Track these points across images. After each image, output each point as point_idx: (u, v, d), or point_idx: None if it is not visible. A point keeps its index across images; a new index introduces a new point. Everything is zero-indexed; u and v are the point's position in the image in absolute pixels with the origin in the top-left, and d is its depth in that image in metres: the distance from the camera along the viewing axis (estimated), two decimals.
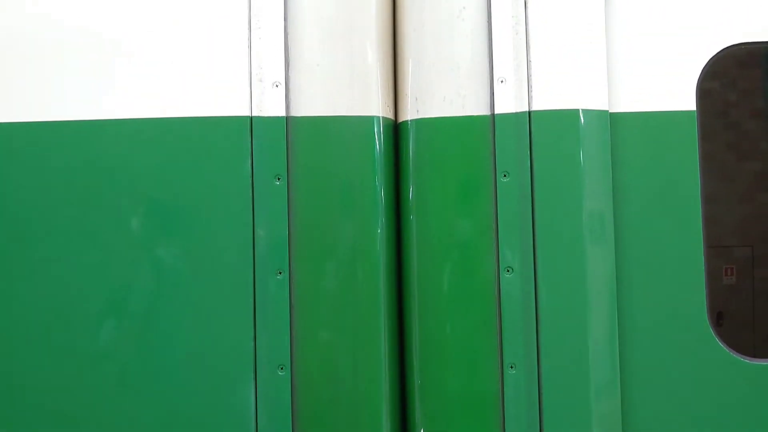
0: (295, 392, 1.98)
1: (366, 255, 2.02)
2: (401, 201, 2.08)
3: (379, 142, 2.04)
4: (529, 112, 2.00)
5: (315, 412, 1.99)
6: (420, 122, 2.05)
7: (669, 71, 2.04)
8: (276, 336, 1.98)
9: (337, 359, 2.01)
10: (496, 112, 2.00)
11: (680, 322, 2.02)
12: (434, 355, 2.02)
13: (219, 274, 1.99)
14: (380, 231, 2.02)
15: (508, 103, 2.00)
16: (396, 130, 2.11)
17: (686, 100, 2.03)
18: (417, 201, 2.04)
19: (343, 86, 2.04)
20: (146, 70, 2.04)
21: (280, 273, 1.99)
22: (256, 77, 2.03)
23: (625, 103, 2.03)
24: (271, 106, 2.02)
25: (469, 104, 2.02)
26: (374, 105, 2.04)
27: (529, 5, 2.02)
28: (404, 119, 2.09)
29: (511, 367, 1.97)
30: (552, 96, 1.99)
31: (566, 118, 1.98)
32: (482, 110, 2.02)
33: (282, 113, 2.02)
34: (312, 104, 2.03)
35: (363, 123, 2.03)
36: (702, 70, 2.04)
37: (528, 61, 2.01)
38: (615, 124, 2.01)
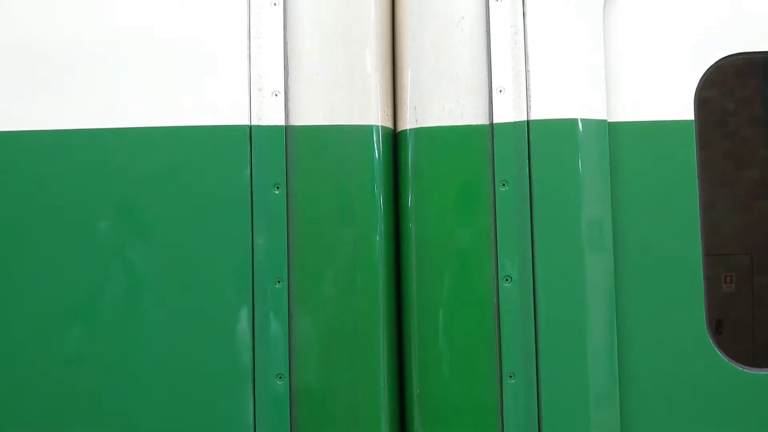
0: (293, 401, 1.98)
1: (365, 263, 2.02)
2: (400, 210, 2.08)
3: (378, 151, 2.04)
4: (528, 122, 2.00)
5: (313, 421, 1.98)
6: (419, 131, 2.06)
7: (667, 81, 2.04)
8: (274, 345, 1.97)
9: (335, 368, 2.00)
10: (494, 121, 2.01)
11: (679, 331, 2.01)
12: (433, 364, 2.02)
13: (218, 283, 1.99)
14: (379, 240, 2.02)
15: (507, 112, 2.00)
16: (395, 139, 2.12)
17: (684, 110, 2.03)
18: (416, 210, 2.05)
19: (342, 95, 2.05)
20: (146, 78, 2.05)
21: (279, 282, 1.99)
22: (255, 86, 2.03)
23: (624, 113, 2.04)
24: (271, 116, 2.02)
25: (468, 113, 2.03)
26: (373, 114, 2.05)
27: (527, 15, 2.03)
28: (403, 128, 2.09)
29: (510, 377, 1.96)
30: (550, 105, 2.00)
31: (565, 127, 1.99)
32: (481, 119, 2.03)
33: (281, 122, 2.02)
34: (311, 113, 2.04)
35: (362, 132, 2.04)
36: (700, 80, 2.04)
37: (526, 71, 2.02)
38: (613, 133, 2.02)
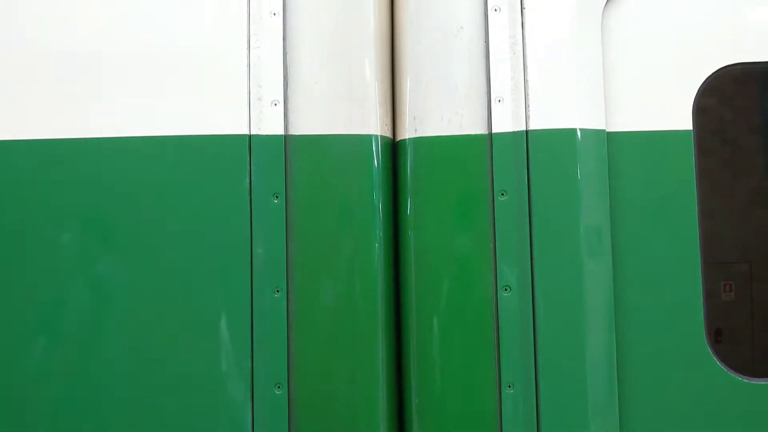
0: (292, 411, 1.97)
1: (364, 272, 2.02)
2: (399, 219, 2.09)
3: (377, 160, 2.05)
4: (527, 132, 2.01)
5: (312, 430, 1.98)
6: (418, 141, 2.06)
7: (665, 91, 2.05)
8: (273, 354, 1.97)
9: (334, 377, 2.00)
10: (493, 131, 2.01)
11: (678, 340, 2.01)
12: (432, 374, 2.01)
13: (217, 292, 1.99)
14: (378, 250, 2.02)
15: (506, 122, 2.01)
16: (394, 148, 2.12)
17: (683, 120, 2.04)
18: (415, 219, 2.05)
19: (341, 105, 2.05)
20: (146, 88, 2.06)
21: (278, 291, 1.99)
22: (255, 96, 2.04)
23: (622, 123, 2.04)
24: (270, 125, 2.03)
25: (467, 123, 2.03)
26: (372, 124, 2.05)
27: (526, 25, 2.04)
28: (402, 138, 2.10)
29: (509, 387, 1.96)
30: (549, 115, 2.00)
31: (564, 137, 1.99)
32: (480, 129, 2.03)
33: (280, 132, 2.03)
34: (310, 123, 2.04)
35: (361, 142, 2.04)
36: (698, 90, 2.05)
37: (525, 81, 2.02)
38: (612, 143, 2.02)
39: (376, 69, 2.09)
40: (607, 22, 2.07)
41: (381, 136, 2.06)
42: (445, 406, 2.00)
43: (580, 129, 1.99)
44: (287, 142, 2.03)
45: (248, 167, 2.02)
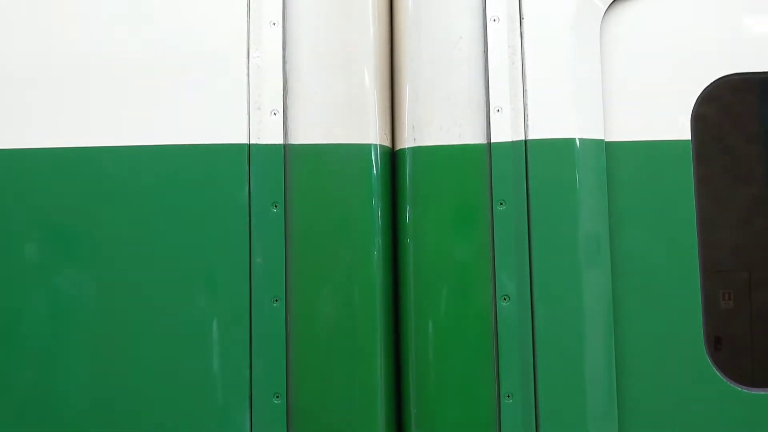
0: (290, 420, 1.97)
1: (363, 282, 2.02)
2: (398, 228, 2.09)
3: (376, 170, 2.05)
4: (526, 141, 2.01)
5: None
6: (417, 150, 2.06)
7: (664, 101, 2.06)
8: (272, 364, 1.97)
9: (333, 387, 2.00)
10: (492, 140, 2.02)
11: (677, 350, 2.01)
12: (430, 384, 2.01)
13: (215, 301, 1.99)
14: (377, 259, 2.02)
15: (505, 132, 2.01)
16: (393, 157, 2.12)
17: (681, 130, 2.04)
18: (414, 229, 2.05)
19: (340, 114, 2.06)
20: (145, 97, 2.06)
21: (277, 300, 1.99)
22: (254, 105, 2.04)
23: (621, 132, 2.05)
24: (269, 134, 2.03)
25: (466, 133, 2.04)
26: (371, 133, 2.06)
27: (525, 36, 2.05)
28: (401, 147, 2.10)
29: (508, 396, 1.96)
30: (548, 125, 2.01)
31: (562, 147, 2.00)
32: (479, 139, 2.03)
33: (280, 141, 2.03)
34: (310, 132, 2.05)
35: (360, 151, 2.04)
36: (696, 100, 2.05)
37: (524, 91, 2.03)
38: (611, 153, 2.03)
39: (376, 78, 2.09)
40: (606, 33, 2.08)
41: (380, 145, 2.07)
42: (444, 416, 1.99)
43: (579, 139, 2.00)
44: (286, 151, 2.03)
45: (247, 176, 2.02)
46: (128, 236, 2.02)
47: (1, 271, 2.03)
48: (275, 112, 2.04)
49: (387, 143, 2.11)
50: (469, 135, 2.03)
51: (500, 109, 2.02)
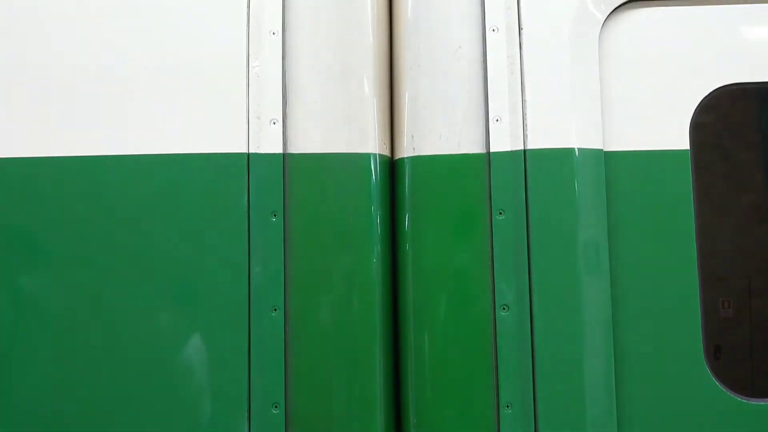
0: (289, 430, 1.96)
1: (362, 292, 2.02)
2: (397, 238, 2.09)
3: (375, 179, 2.05)
4: (525, 151, 2.01)
5: None
6: (416, 159, 2.07)
7: (662, 111, 2.06)
8: (270, 374, 1.96)
9: (331, 397, 1.99)
10: (491, 150, 2.02)
11: (677, 360, 2.01)
12: (430, 393, 2.01)
13: (214, 310, 1.99)
14: (376, 268, 2.02)
15: (504, 141, 2.02)
16: (392, 166, 2.12)
17: (680, 140, 2.05)
18: (413, 238, 2.05)
19: (339, 124, 2.06)
20: (144, 107, 2.06)
21: (276, 310, 1.98)
22: (254, 115, 2.05)
23: (620, 142, 2.05)
24: (269, 143, 2.03)
25: (465, 142, 2.04)
26: (371, 142, 2.06)
27: (523, 45, 2.05)
28: (401, 156, 2.10)
29: (507, 407, 1.95)
30: (547, 135, 2.01)
31: (561, 156, 2.00)
32: (478, 148, 2.04)
33: (279, 150, 2.03)
34: (309, 141, 2.05)
35: (359, 160, 2.05)
36: (695, 110, 2.06)
37: (523, 101, 2.03)
38: (610, 162, 2.03)
39: (375, 88, 2.10)
40: (604, 43, 2.08)
41: (379, 154, 2.07)
42: (443, 426, 1.99)
43: (578, 148, 2.00)
44: (286, 160, 2.03)
45: (246, 185, 2.02)
46: (127, 245, 2.02)
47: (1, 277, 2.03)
48: (275, 121, 2.04)
49: (386, 152, 2.11)
50: (468, 144, 2.04)
51: (499, 119, 2.02)
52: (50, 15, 2.12)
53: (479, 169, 2.02)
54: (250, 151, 2.03)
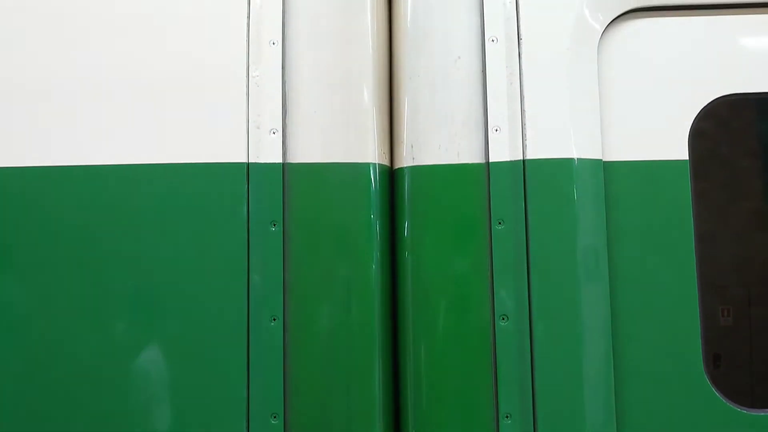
0: None
1: (361, 302, 2.01)
2: (397, 248, 2.09)
3: (375, 188, 2.05)
4: (524, 161, 2.02)
5: None
6: (415, 169, 2.07)
7: (661, 121, 2.07)
8: (269, 384, 1.96)
9: (330, 407, 1.99)
10: (490, 160, 2.02)
11: (676, 369, 2.01)
12: (429, 403, 2.00)
13: (213, 320, 1.99)
14: (375, 278, 2.02)
15: (503, 151, 2.02)
16: (392, 176, 2.13)
17: (679, 150, 2.05)
18: (412, 248, 2.05)
19: (339, 133, 2.06)
20: (144, 116, 2.07)
21: (275, 319, 1.98)
22: (253, 124, 2.05)
23: (619, 152, 2.05)
24: (268, 153, 2.03)
25: (464, 152, 2.04)
26: (370, 152, 2.06)
27: (522, 56, 2.06)
28: (400, 166, 2.10)
29: (507, 417, 1.95)
30: (546, 145, 2.01)
31: (560, 167, 2.00)
32: (477, 158, 2.04)
33: (279, 160, 2.03)
34: (309, 151, 2.05)
35: (359, 170, 2.05)
36: (694, 121, 2.07)
37: (522, 111, 2.04)
38: (609, 172, 2.03)
39: (375, 97, 2.10)
40: (603, 53, 2.09)
41: (379, 164, 2.07)
42: None
43: (577, 159, 2.01)
44: (285, 170, 2.04)
45: (246, 195, 2.02)
46: (126, 254, 2.02)
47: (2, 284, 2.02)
48: (274, 131, 2.04)
49: (386, 162, 2.11)
50: (468, 154, 2.04)
51: (498, 129, 2.03)
52: (51, 26, 2.12)
53: (479, 179, 2.02)
54: (250, 161, 2.03)
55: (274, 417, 1.95)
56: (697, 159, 2.09)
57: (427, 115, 2.08)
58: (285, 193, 2.03)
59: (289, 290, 1.99)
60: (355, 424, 1.98)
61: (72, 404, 1.99)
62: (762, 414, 1.99)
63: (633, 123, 2.06)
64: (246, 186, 2.02)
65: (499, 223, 2.00)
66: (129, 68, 2.09)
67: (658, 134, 2.06)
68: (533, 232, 1.98)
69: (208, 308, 1.98)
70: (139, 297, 2.01)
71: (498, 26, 2.07)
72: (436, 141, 2.06)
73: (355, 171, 2.05)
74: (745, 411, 1.99)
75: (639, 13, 2.13)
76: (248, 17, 2.10)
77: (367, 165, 2.05)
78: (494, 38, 2.07)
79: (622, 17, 2.12)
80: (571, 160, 2.00)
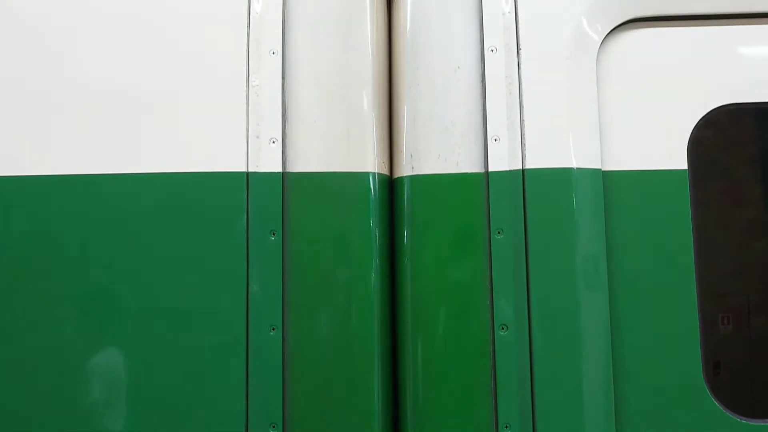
0: None
1: (360, 311, 2.01)
2: (396, 257, 2.09)
3: (374, 198, 2.06)
4: (523, 170, 2.02)
5: None
6: (415, 179, 2.07)
7: (660, 131, 2.07)
8: (268, 393, 1.96)
9: (330, 417, 1.98)
10: (490, 169, 2.03)
11: (676, 379, 2.01)
12: (429, 413, 2.00)
13: (212, 330, 1.98)
14: (375, 287, 2.02)
15: (502, 161, 2.02)
16: (391, 185, 2.13)
17: (678, 160, 2.06)
18: (412, 258, 2.05)
19: (339, 143, 2.07)
20: (144, 125, 2.07)
21: (274, 329, 1.98)
22: (253, 134, 2.05)
23: (618, 162, 2.06)
24: (268, 162, 2.04)
25: (464, 162, 2.05)
26: (370, 161, 2.07)
27: (522, 66, 2.06)
28: (400, 175, 2.11)
29: (506, 427, 1.95)
30: (545, 154, 2.02)
31: (560, 176, 2.00)
32: (476, 168, 2.04)
33: (278, 169, 2.04)
34: (308, 160, 2.06)
35: (358, 179, 2.05)
36: (693, 131, 2.07)
37: (521, 121, 2.04)
38: (608, 182, 2.03)
39: (374, 107, 2.11)
40: (602, 63, 2.10)
41: (378, 173, 2.07)
42: None
43: (576, 168, 2.01)
44: (285, 179, 2.04)
45: (246, 204, 2.02)
46: (126, 263, 2.02)
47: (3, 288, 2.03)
48: (274, 140, 2.05)
49: (385, 171, 2.12)
50: (467, 164, 2.04)
51: (498, 139, 2.03)
52: (51, 35, 2.13)
53: (478, 188, 2.03)
54: (250, 170, 2.04)
55: (273, 426, 1.95)
56: (696, 168, 2.09)
57: (426, 124, 2.08)
58: (284, 202, 2.03)
59: (288, 300, 1.99)
60: None
61: (70, 412, 1.99)
62: (762, 424, 1.99)
63: (632, 132, 2.07)
64: (245, 195, 2.02)
65: (499, 233, 2.00)
66: (129, 77, 2.10)
67: (657, 144, 2.06)
68: (532, 241, 1.99)
69: (207, 318, 1.98)
70: (138, 306, 2.00)
71: (497, 36, 2.08)
72: (436, 150, 2.06)
73: (354, 180, 2.05)
74: (744, 421, 1.99)
75: (637, 24, 2.13)
76: (248, 27, 2.11)
77: (366, 174, 2.06)
78: (493, 48, 2.07)
79: (620, 27, 2.13)
80: (570, 169, 2.00)
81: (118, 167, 2.05)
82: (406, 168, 2.09)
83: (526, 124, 2.04)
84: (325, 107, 2.08)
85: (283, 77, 2.08)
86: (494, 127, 2.03)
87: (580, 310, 1.97)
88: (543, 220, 1.99)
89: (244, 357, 1.96)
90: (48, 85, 2.10)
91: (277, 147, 2.04)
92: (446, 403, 1.99)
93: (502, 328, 1.97)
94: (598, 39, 2.08)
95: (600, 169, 2.03)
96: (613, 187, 2.03)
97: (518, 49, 2.07)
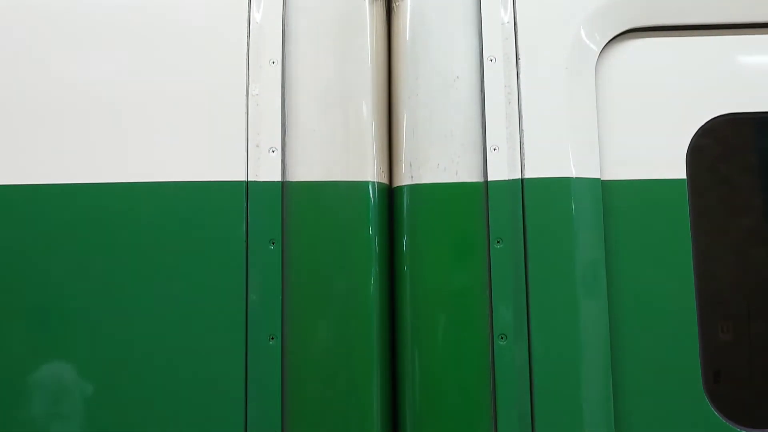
0: None
1: (359, 320, 2.01)
2: (395, 267, 2.09)
3: (373, 207, 2.06)
4: (522, 180, 2.02)
5: None
6: (414, 188, 2.07)
7: (659, 141, 2.08)
8: (267, 403, 1.95)
9: (329, 425, 1.98)
10: (489, 179, 2.03)
11: (676, 388, 2.01)
12: (428, 422, 2.00)
13: (211, 339, 1.98)
14: (374, 296, 2.02)
15: (501, 170, 2.03)
16: (391, 194, 2.13)
17: (676, 169, 2.06)
18: (411, 267, 2.05)
19: (338, 152, 2.07)
20: (143, 134, 2.07)
21: (273, 338, 1.98)
22: (252, 143, 2.06)
23: (617, 171, 2.06)
24: (267, 171, 2.04)
25: (463, 171, 2.05)
26: (369, 171, 2.07)
27: (521, 76, 2.07)
28: (399, 184, 2.11)
29: None
30: (544, 164, 2.02)
31: (559, 186, 2.01)
32: (475, 177, 2.05)
33: (278, 178, 2.04)
34: (308, 169, 2.06)
35: (358, 188, 2.06)
36: (691, 140, 2.08)
37: (521, 130, 2.04)
38: (607, 192, 2.04)
39: (374, 116, 2.11)
40: (601, 72, 2.10)
41: (378, 182, 2.08)
42: None
43: (575, 178, 2.01)
44: (284, 188, 2.04)
45: (245, 213, 2.02)
46: (125, 272, 2.02)
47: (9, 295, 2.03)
48: (273, 149, 2.05)
49: (384, 180, 2.12)
50: (466, 173, 2.05)
51: (497, 148, 2.04)
52: (49, 43, 2.13)
53: (477, 197, 2.03)
54: (249, 179, 2.04)
55: None
56: (695, 177, 2.09)
57: (425, 133, 2.09)
58: (284, 211, 2.03)
59: (287, 308, 1.99)
60: None
61: (67, 418, 1.98)
62: None
63: (631, 142, 2.07)
64: (245, 204, 2.02)
65: (498, 242, 2.00)
66: (128, 86, 2.10)
67: (656, 153, 2.07)
68: (532, 251, 1.99)
69: (205, 326, 1.98)
70: (137, 315, 2.00)
71: (496, 46, 2.08)
72: (435, 160, 2.07)
73: (354, 189, 2.05)
74: (744, 430, 1.98)
75: (636, 34, 2.14)
76: (248, 36, 2.11)
77: (366, 183, 2.06)
78: (492, 58, 2.08)
79: (619, 37, 2.13)
80: (569, 179, 2.01)
81: (116, 176, 2.05)
82: (405, 177, 2.09)
83: (525, 133, 2.04)
84: (325, 116, 2.08)
85: (282, 86, 2.09)
86: (493, 137, 2.04)
87: (579, 318, 1.97)
88: (542, 230, 1.99)
89: (243, 366, 1.96)
90: (44, 95, 2.10)
91: (277, 156, 2.04)
92: (446, 411, 1.98)
93: (502, 337, 1.97)
94: (597, 49, 2.09)
95: (599, 179, 2.03)
96: (612, 196, 2.04)
97: (517, 58, 2.08)
